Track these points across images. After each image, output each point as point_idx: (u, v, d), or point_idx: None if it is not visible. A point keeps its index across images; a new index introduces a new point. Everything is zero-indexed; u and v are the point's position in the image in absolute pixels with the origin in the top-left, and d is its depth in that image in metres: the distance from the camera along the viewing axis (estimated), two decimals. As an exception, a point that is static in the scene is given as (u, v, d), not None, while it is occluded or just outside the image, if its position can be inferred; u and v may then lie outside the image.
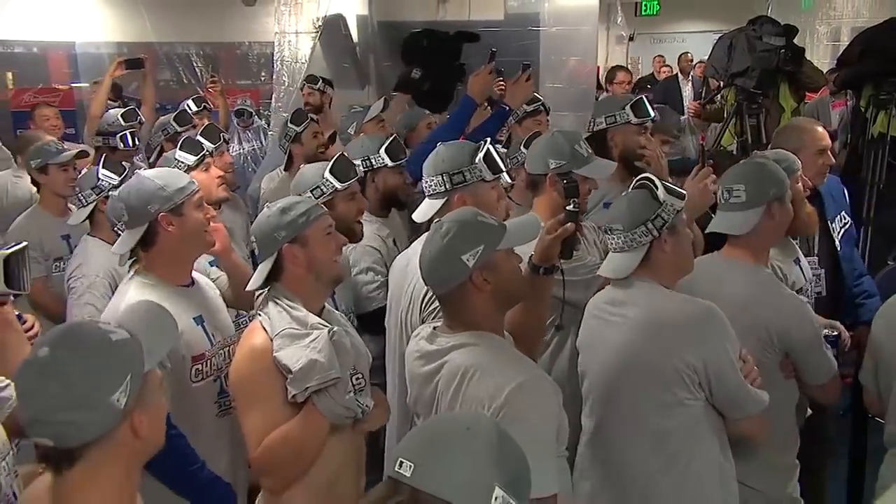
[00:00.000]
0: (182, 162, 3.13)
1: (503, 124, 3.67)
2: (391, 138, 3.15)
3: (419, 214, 2.62)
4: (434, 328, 2.02)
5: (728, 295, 2.29)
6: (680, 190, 2.25)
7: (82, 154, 3.89)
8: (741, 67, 4.68)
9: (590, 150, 2.72)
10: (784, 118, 4.78)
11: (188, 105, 5.16)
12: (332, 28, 7.18)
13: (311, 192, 2.70)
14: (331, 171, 2.75)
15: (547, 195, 2.67)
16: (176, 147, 3.40)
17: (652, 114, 3.19)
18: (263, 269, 2.11)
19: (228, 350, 2.40)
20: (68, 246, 3.53)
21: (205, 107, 5.31)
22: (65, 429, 1.31)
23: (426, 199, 2.60)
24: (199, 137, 3.20)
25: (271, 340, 1.99)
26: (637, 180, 2.28)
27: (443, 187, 2.52)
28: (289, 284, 2.09)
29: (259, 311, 2.10)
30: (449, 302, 1.96)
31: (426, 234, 2.42)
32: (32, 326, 2.55)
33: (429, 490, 1.18)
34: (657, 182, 2.19)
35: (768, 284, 2.42)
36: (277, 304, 2.06)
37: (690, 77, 9.34)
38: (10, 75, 8.00)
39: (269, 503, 2.07)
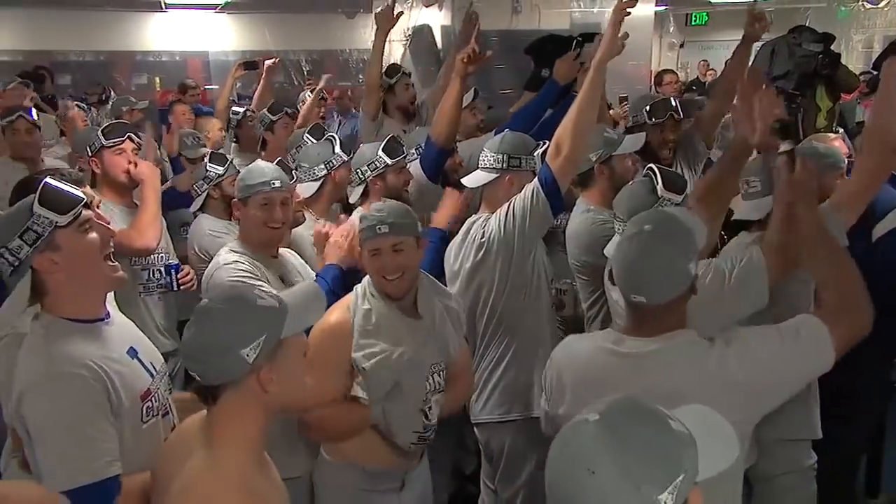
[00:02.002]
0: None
1: (552, 98, 3.66)
2: (388, 139, 2.86)
3: (469, 180, 2.61)
4: (612, 332, 1.74)
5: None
6: (682, 181, 2.13)
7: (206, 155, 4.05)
8: (782, 71, 4.58)
9: (617, 132, 2.75)
10: (820, 117, 4.68)
11: (306, 95, 5.24)
12: (420, 36, 7.25)
13: (367, 166, 2.77)
14: (383, 150, 2.78)
15: (597, 186, 2.69)
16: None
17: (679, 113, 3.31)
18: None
19: None
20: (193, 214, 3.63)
21: (322, 96, 5.32)
22: (205, 368, 1.35)
23: (479, 170, 2.58)
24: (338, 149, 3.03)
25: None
26: (645, 168, 2.23)
27: (499, 164, 2.51)
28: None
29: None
30: (657, 311, 1.59)
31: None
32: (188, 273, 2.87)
33: None
34: (658, 176, 2.08)
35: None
36: (366, 294, 2.05)
37: (734, 79, 9.09)
38: (157, 79, 8.40)
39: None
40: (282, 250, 2.53)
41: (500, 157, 2.51)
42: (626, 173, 2.65)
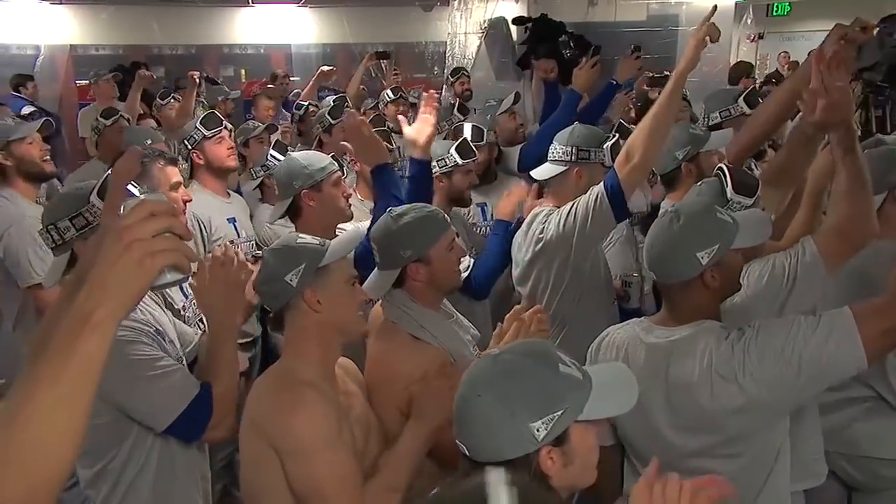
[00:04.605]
0: None
1: (574, 107, 3.55)
2: (462, 140, 2.83)
3: (538, 173, 2.57)
4: (644, 320, 1.74)
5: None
6: (753, 181, 1.99)
7: (272, 128, 4.11)
8: (870, 62, 4.33)
9: (702, 129, 2.61)
10: (910, 110, 4.42)
11: (387, 93, 5.06)
12: (495, 29, 7.24)
13: (437, 162, 2.68)
14: (456, 149, 2.73)
15: (684, 185, 2.53)
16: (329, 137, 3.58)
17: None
18: (386, 280, 1.87)
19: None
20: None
21: (401, 95, 5.13)
22: (266, 298, 1.64)
23: (547, 163, 2.53)
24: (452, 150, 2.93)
25: None
26: (716, 169, 2.08)
27: (568, 157, 2.46)
28: (409, 292, 1.87)
29: (394, 319, 1.87)
30: (672, 292, 1.66)
31: None
32: None
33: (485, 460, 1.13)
34: (728, 178, 1.96)
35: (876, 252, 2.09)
36: (408, 313, 1.85)
37: (818, 71, 8.65)
38: (243, 71, 8.68)
39: None
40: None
41: (570, 149, 2.47)
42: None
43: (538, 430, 1.12)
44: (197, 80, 4.85)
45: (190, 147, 3.01)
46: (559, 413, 1.13)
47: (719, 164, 2.07)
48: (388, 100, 4.98)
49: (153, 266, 0.90)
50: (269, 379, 1.63)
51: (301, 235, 1.67)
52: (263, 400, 1.57)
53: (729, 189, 1.93)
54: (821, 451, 2.04)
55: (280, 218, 2.48)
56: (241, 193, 3.43)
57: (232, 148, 3.04)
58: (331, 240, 2.29)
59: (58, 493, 0.91)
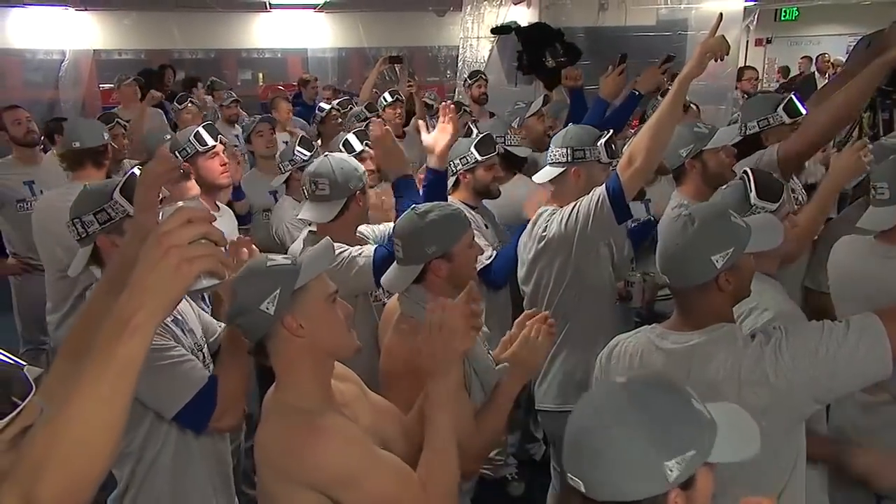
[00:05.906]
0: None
1: (600, 115, 3.53)
2: (484, 136, 2.88)
3: (539, 177, 2.60)
4: (657, 327, 1.68)
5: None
6: (777, 186, 1.93)
7: (272, 120, 4.16)
8: (877, 66, 4.31)
9: (708, 126, 2.61)
10: (917, 113, 4.39)
11: (384, 97, 5.01)
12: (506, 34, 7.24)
13: (459, 159, 2.78)
14: (475, 146, 2.81)
15: (690, 181, 2.58)
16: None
17: (804, 111, 2.72)
18: (408, 275, 1.87)
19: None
20: (274, 198, 3.66)
21: (397, 98, 5.00)
22: (243, 329, 1.47)
23: (547, 166, 2.56)
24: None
25: None
26: (741, 172, 2.01)
27: (564, 158, 2.48)
28: (427, 288, 1.87)
29: (412, 315, 1.86)
30: (686, 297, 1.61)
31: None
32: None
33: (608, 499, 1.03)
34: (752, 183, 1.90)
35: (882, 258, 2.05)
36: (425, 309, 1.86)
37: (827, 76, 8.64)
38: (260, 75, 8.76)
39: None
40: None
41: (565, 150, 2.49)
42: (719, 167, 2.53)
43: (671, 471, 1.00)
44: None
45: (182, 160, 2.83)
46: (692, 453, 1.02)
47: (744, 168, 2.01)
48: (386, 103, 4.90)
49: (190, 272, 0.92)
50: (271, 417, 1.50)
51: (270, 256, 1.51)
52: (274, 441, 1.46)
53: (752, 194, 1.90)
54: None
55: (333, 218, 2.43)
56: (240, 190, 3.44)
57: (225, 164, 2.89)
58: (333, 246, 2.26)
59: (96, 487, 0.94)
